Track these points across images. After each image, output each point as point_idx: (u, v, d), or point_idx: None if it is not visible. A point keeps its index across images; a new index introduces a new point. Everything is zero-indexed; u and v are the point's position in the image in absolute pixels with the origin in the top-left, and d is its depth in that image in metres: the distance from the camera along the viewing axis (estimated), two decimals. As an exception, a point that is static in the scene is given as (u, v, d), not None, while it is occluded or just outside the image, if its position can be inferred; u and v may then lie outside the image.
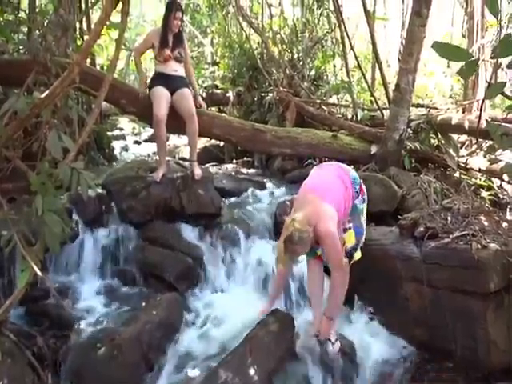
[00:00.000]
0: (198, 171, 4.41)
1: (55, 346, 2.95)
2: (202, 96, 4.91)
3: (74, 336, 3.03)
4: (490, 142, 4.59)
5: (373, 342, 3.15)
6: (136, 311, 3.21)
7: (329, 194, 2.77)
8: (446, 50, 1.51)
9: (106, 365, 2.68)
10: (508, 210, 4.16)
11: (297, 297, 3.59)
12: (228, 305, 3.52)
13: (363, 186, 3.02)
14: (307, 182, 2.97)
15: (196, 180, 4.36)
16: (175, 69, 4.44)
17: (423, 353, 3.06)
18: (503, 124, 4.37)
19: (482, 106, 2.27)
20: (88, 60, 6.19)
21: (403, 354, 3.07)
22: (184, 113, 4.40)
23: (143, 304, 3.31)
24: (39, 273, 2.29)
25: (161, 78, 4.40)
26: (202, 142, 7.32)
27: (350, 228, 2.90)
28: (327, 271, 3.12)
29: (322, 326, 2.87)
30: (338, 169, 2.99)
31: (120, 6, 2.75)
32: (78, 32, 6.31)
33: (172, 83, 4.39)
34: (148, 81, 4.61)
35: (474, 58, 1.47)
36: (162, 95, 4.31)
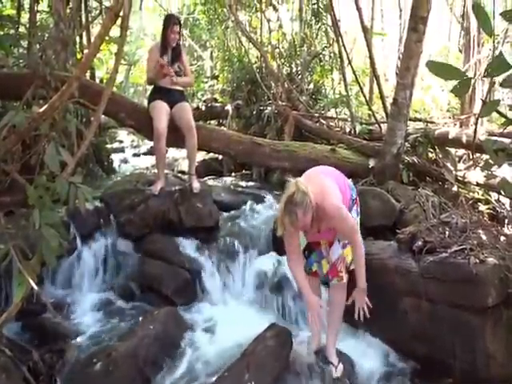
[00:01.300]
0: (196, 184, 4.42)
1: (51, 360, 2.91)
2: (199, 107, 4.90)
3: (69, 351, 3.00)
4: (487, 157, 4.61)
5: (371, 356, 3.12)
6: (133, 325, 3.19)
7: (332, 177, 2.79)
8: (439, 69, 1.52)
9: (102, 380, 2.65)
10: (506, 223, 4.16)
11: (294, 311, 3.58)
12: (226, 319, 3.50)
13: (358, 198, 3.01)
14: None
15: (194, 193, 4.36)
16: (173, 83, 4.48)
17: (422, 367, 3.03)
18: (500, 139, 4.39)
19: (477, 122, 2.28)
20: (87, 73, 6.23)
21: (402, 368, 3.04)
22: (183, 126, 4.42)
23: (140, 318, 3.28)
24: (35, 287, 2.29)
25: (160, 92, 4.43)
26: (201, 155, 7.33)
27: (348, 243, 2.88)
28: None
29: (358, 298, 2.82)
30: (338, 173, 2.99)
31: (119, 20, 2.78)
32: (77, 46, 6.37)
33: (171, 97, 4.43)
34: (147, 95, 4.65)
35: (467, 77, 1.48)
36: (161, 108, 4.35)
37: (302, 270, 2.86)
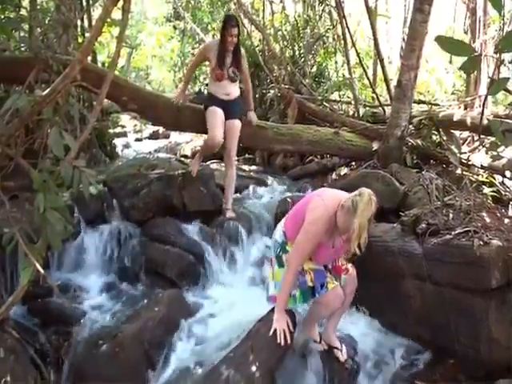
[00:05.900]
0: (231, 214, 4.30)
1: (58, 342, 2.96)
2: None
3: (76, 333, 3.04)
4: (492, 139, 4.58)
5: (374, 340, 3.14)
6: (138, 308, 3.22)
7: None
8: (449, 44, 1.49)
9: (108, 362, 2.69)
10: (510, 206, 4.14)
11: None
12: (229, 301, 3.54)
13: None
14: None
15: (197, 177, 4.35)
16: (228, 92, 4.30)
17: (425, 351, 3.05)
18: (506, 120, 4.35)
19: (484, 103, 2.26)
20: (89, 57, 6.18)
21: (405, 352, 3.06)
22: (227, 149, 4.34)
23: (145, 301, 3.31)
24: (41, 270, 2.30)
25: (216, 101, 4.29)
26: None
27: None
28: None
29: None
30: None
31: (121, 3, 2.74)
32: (79, 29, 6.31)
33: (228, 109, 4.29)
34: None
35: (477, 54, 1.45)
36: (218, 117, 4.23)
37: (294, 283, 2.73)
